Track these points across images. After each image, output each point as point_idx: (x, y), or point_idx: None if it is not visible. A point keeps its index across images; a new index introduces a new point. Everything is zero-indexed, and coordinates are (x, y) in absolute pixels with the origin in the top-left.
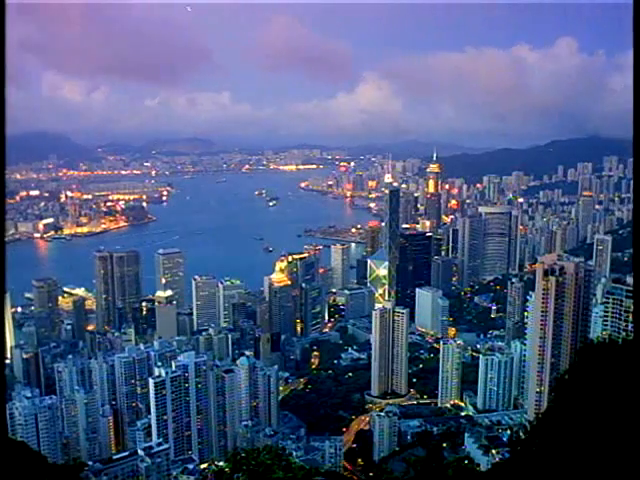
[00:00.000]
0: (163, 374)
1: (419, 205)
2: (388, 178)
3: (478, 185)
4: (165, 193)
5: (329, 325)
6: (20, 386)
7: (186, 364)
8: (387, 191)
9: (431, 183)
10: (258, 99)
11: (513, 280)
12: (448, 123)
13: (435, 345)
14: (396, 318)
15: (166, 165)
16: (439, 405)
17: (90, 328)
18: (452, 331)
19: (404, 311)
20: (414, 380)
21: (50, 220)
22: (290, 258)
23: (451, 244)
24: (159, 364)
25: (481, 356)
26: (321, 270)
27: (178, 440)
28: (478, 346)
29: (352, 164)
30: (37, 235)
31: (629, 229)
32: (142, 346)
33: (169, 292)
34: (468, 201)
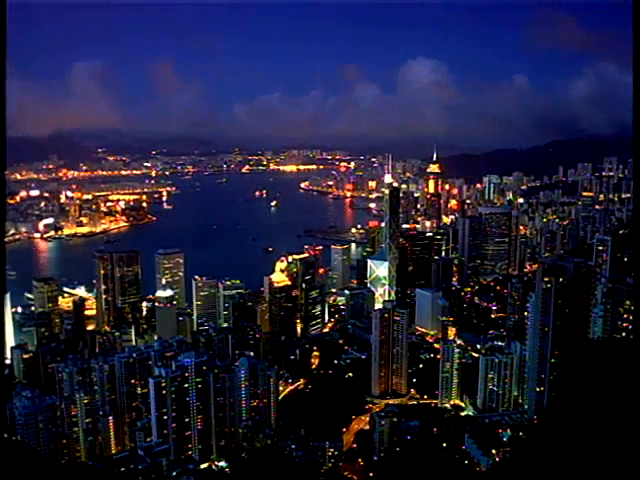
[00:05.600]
0: (163, 374)
1: (419, 205)
2: (388, 178)
3: (478, 185)
4: (165, 193)
5: (329, 325)
6: (20, 386)
7: (186, 364)
8: (387, 191)
9: (431, 183)
10: None
11: (513, 280)
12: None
13: (435, 345)
14: (396, 318)
15: (166, 165)
16: (439, 405)
17: (90, 328)
18: (452, 331)
19: (404, 311)
20: (414, 380)
21: (50, 220)
22: (290, 258)
23: (451, 244)
24: (159, 364)
25: (481, 356)
26: (321, 270)
27: (178, 440)
28: (478, 346)
29: (352, 164)
30: (37, 235)
31: (629, 229)
32: (142, 346)
33: (169, 292)
34: (468, 201)
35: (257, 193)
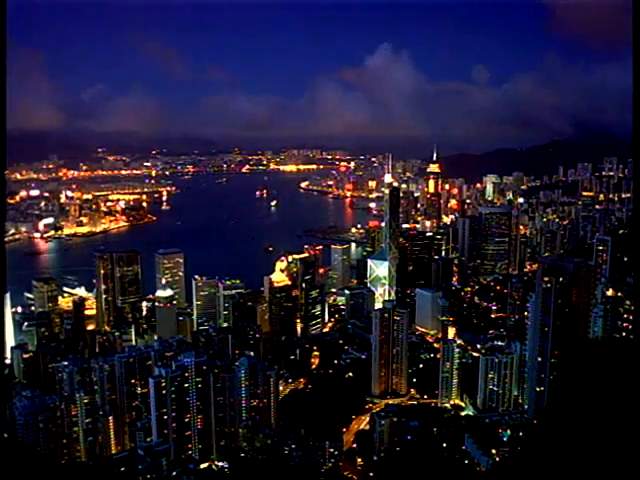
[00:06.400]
0: (163, 374)
1: (419, 205)
2: (388, 178)
3: (478, 185)
4: (165, 193)
5: (329, 325)
6: (20, 386)
7: (186, 364)
8: (387, 191)
9: (431, 183)
10: None
11: (513, 280)
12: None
13: (435, 345)
14: (396, 318)
15: (166, 165)
16: (439, 405)
17: (90, 328)
18: (452, 331)
19: (404, 311)
20: (414, 380)
21: (50, 220)
22: (290, 258)
23: (451, 244)
24: (159, 364)
25: (481, 356)
26: (321, 270)
27: (178, 440)
28: (478, 346)
29: (352, 164)
30: (37, 235)
31: (629, 229)
32: (142, 346)
33: (169, 292)
34: (468, 201)
35: (257, 193)
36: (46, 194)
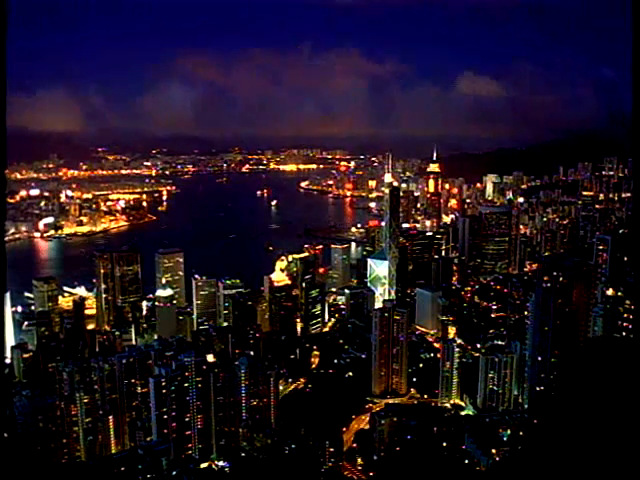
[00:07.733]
0: (163, 373)
1: (419, 204)
2: (388, 177)
3: (478, 184)
4: (165, 193)
5: (329, 324)
6: (20, 386)
7: (186, 364)
8: (387, 190)
9: (431, 182)
10: None
11: (513, 279)
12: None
13: (435, 345)
14: (396, 318)
15: (166, 164)
16: (439, 404)
17: (90, 327)
18: (452, 331)
19: (404, 311)
20: (414, 379)
21: (50, 219)
22: (290, 257)
23: (451, 243)
24: (159, 363)
25: (481, 355)
26: (321, 270)
27: (178, 439)
28: (478, 345)
29: (352, 164)
30: (37, 234)
31: (629, 229)
32: (142, 345)
33: (169, 291)
34: (468, 200)
35: (258, 192)
36: (46, 193)
